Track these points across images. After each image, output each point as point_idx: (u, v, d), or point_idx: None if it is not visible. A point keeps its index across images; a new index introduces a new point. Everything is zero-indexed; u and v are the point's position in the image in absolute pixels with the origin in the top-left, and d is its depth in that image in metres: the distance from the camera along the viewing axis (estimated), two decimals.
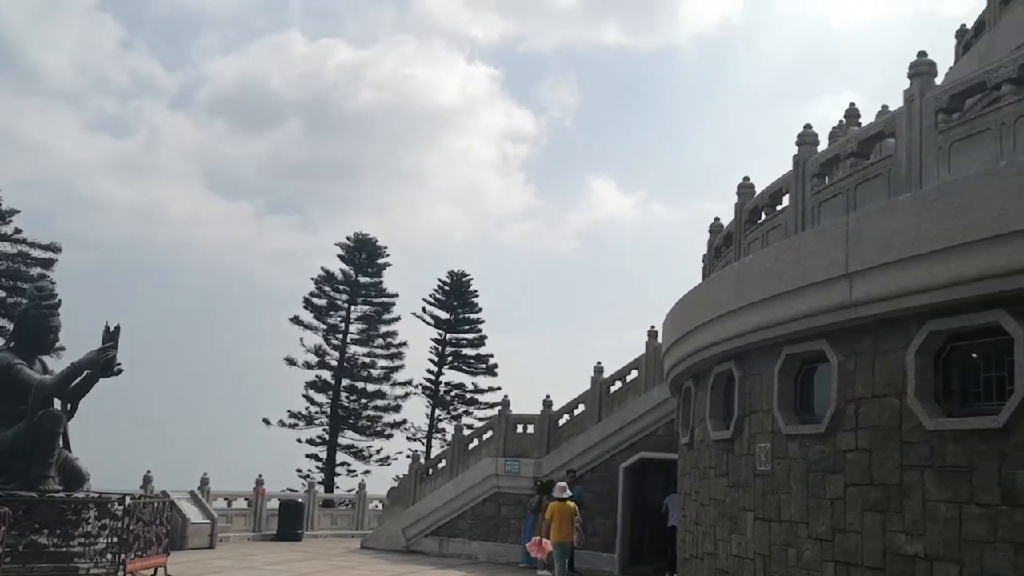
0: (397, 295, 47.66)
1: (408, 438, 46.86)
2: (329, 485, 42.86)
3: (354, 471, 45.25)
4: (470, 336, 48.19)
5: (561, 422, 24.98)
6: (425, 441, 46.57)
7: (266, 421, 45.23)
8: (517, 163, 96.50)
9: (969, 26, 18.29)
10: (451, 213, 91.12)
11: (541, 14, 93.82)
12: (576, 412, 24.79)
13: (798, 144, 11.40)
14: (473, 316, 48.32)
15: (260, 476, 29.05)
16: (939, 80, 9.89)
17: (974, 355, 8.30)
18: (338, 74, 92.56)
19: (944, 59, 18.55)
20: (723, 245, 14.93)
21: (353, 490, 34.21)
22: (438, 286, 48.46)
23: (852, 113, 16.30)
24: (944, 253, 7.75)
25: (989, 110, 8.62)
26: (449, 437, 33.70)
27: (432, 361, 47.56)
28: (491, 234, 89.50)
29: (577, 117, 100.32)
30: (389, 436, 46.71)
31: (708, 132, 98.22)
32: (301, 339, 45.63)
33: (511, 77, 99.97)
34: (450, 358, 47.76)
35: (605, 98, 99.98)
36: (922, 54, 9.50)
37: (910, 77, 9.40)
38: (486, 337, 48.18)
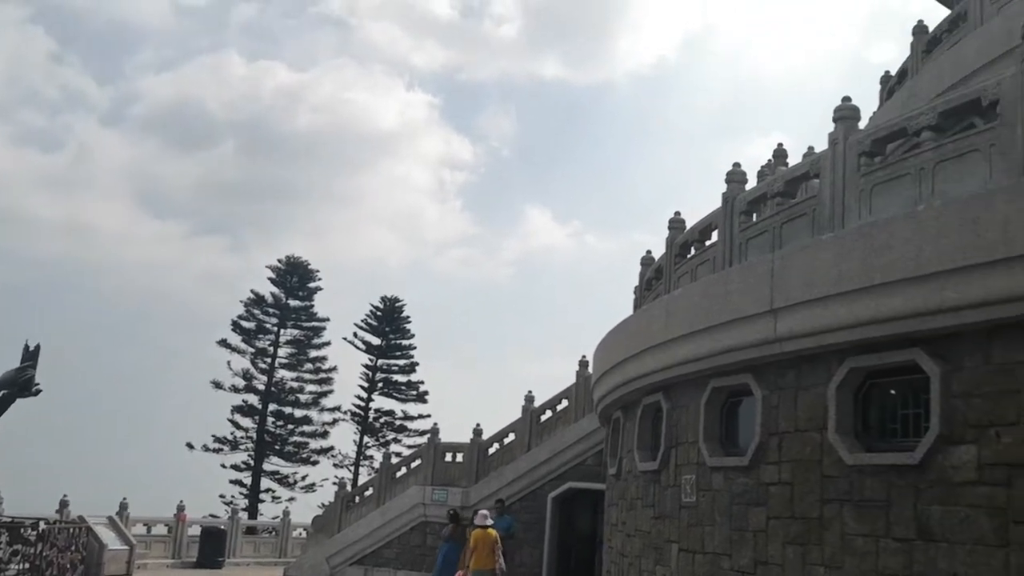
0: (328, 319, 47.36)
1: (335, 465, 46.43)
2: (253, 512, 42.09)
3: (279, 498, 44.66)
4: (401, 362, 48.00)
5: (491, 451, 24.92)
6: (352, 468, 46.16)
7: (189, 445, 44.39)
8: (454, 190, 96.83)
9: (893, 73, 18.92)
10: (387, 238, 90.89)
11: (482, 45, 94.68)
12: (506, 441, 24.76)
13: (727, 182, 11.64)
14: (405, 342, 48.15)
15: (181, 502, 28.43)
16: (863, 124, 10.20)
17: (893, 392, 8.52)
18: (276, 96, 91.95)
19: (870, 104, 19.20)
20: (654, 278, 15.11)
21: (277, 517, 33.61)
22: (370, 311, 48.24)
23: (780, 153, 16.75)
24: (864, 292, 7.97)
25: (909, 155, 8.92)
26: (377, 465, 33.41)
27: (362, 387, 47.24)
28: (427, 260, 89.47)
29: (515, 147, 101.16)
30: (315, 463, 46.19)
31: (643, 166, 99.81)
32: (228, 362, 45.03)
33: (450, 105, 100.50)
34: (380, 384, 47.45)
35: (543, 129, 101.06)
36: (846, 99, 9.81)
37: (835, 121, 9.68)
38: (417, 364, 48.02)
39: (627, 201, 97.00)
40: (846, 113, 9.63)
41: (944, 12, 17.64)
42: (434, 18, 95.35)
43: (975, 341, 7.41)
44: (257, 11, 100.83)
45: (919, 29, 17.01)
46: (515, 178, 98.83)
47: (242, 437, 44.94)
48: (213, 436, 44.65)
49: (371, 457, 46.11)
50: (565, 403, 23.89)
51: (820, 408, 8.73)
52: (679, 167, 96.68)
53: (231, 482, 44.43)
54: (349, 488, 28.58)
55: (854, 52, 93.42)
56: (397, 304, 48.52)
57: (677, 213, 13.85)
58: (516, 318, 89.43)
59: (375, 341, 47.66)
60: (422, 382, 47.78)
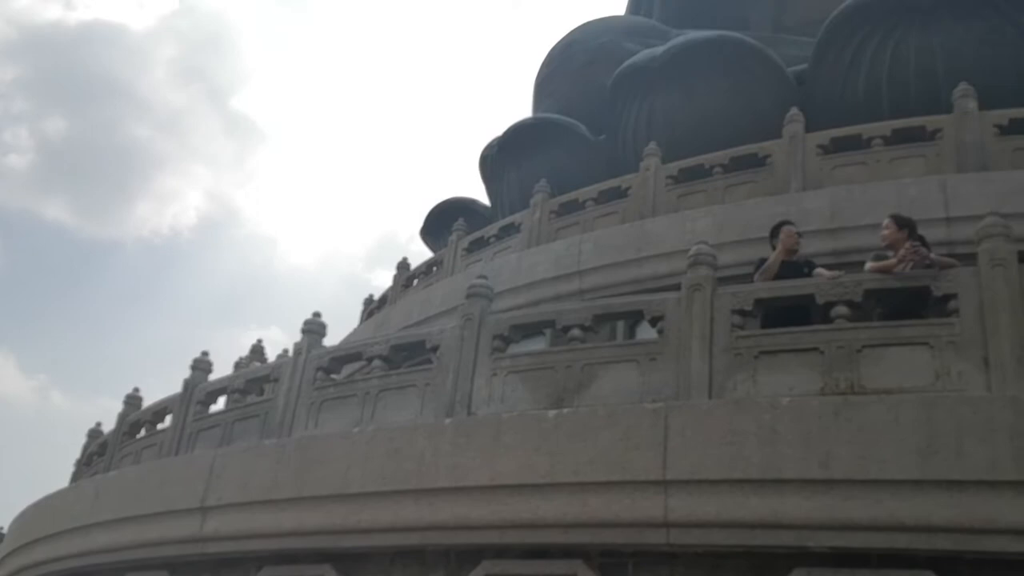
0: None
1: None
2: None
3: None
4: None
5: None
6: None
7: None
8: None
9: (377, 297, 20.56)
10: None
11: None
12: None
13: (192, 369, 11.49)
14: None
15: None
16: (337, 339, 10.85)
17: None
18: None
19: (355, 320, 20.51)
20: (97, 453, 14.09)
21: None
22: None
23: (257, 349, 17.10)
24: (292, 502, 8.19)
25: (359, 378, 9.61)
26: None
27: None
28: None
29: None
30: None
31: (137, 335, 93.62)
32: None
33: None
34: None
35: (31, 272, 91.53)
36: (316, 315, 10.37)
37: (302, 333, 10.17)
38: None
39: (111, 367, 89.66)
40: (313, 327, 10.17)
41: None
42: None
43: (379, 564, 7.90)
44: None
45: (402, 265, 18.87)
46: None
47: None
48: None
49: None
50: None
51: None
52: (175, 344, 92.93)
53: None
54: None
55: (360, 269, 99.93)
56: None
57: (136, 390, 13.32)
58: None
59: None
60: None
